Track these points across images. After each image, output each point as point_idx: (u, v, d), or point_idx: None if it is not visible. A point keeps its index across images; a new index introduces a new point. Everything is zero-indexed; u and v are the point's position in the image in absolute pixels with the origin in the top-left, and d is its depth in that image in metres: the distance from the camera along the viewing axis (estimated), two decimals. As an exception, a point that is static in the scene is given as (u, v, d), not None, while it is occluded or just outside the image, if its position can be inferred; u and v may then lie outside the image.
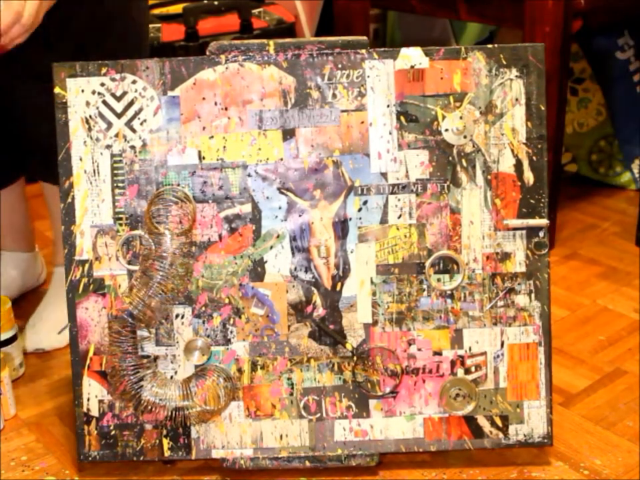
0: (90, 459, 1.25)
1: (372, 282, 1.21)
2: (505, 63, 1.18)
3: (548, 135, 1.20)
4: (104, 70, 1.19)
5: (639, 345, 1.54)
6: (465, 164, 1.20)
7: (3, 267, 1.70)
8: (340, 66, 1.18)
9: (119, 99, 1.19)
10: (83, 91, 1.19)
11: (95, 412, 1.23)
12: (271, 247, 1.21)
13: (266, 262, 1.21)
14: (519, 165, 1.20)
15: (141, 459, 1.25)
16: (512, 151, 1.19)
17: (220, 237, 1.21)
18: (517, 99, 1.19)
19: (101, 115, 1.20)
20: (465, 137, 1.19)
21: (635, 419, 1.34)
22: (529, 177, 1.20)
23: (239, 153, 1.20)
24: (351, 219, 1.21)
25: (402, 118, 1.19)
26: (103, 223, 1.21)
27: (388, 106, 1.19)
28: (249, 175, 1.20)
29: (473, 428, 1.24)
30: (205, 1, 2.25)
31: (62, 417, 1.40)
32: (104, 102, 1.19)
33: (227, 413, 1.23)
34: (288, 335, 1.22)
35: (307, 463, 1.24)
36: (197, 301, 1.21)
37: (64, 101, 1.19)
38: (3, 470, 1.29)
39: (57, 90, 1.19)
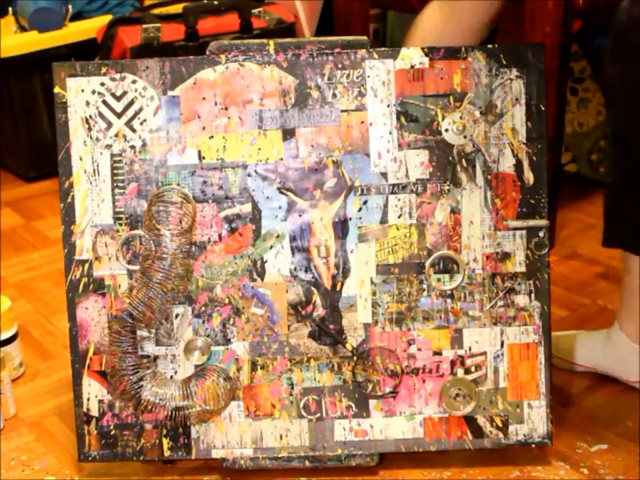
0: (90, 458, 1.25)
1: (372, 282, 1.21)
2: (505, 62, 1.18)
3: (548, 135, 1.20)
4: (104, 70, 1.19)
5: (639, 344, 1.53)
6: (465, 164, 1.20)
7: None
8: (340, 66, 1.18)
9: (118, 98, 1.19)
10: (82, 90, 1.19)
11: (94, 412, 1.23)
12: (271, 247, 1.21)
13: (266, 262, 1.21)
14: (518, 165, 1.20)
15: (141, 458, 1.25)
16: (512, 151, 1.19)
17: (220, 236, 1.21)
18: (517, 99, 1.19)
19: (101, 115, 1.20)
20: (465, 136, 1.19)
21: (635, 418, 1.34)
22: (529, 177, 1.20)
23: (239, 152, 1.20)
24: (350, 219, 1.21)
25: (402, 118, 1.19)
26: (103, 223, 1.21)
27: (388, 106, 1.19)
28: (249, 175, 1.20)
29: (473, 428, 1.24)
30: (205, 1, 2.25)
31: (62, 417, 1.40)
32: (104, 102, 1.19)
33: (226, 412, 1.23)
34: (288, 335, 1.22)
35: (307, 463, 1.24)
36: (196, 300, 1.21)
37: (64, 100, 1.19)
38: (3, 470, 1.29)
39: (56, 90, 1.19)
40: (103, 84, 1.19)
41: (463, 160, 1.20)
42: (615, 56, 1.22)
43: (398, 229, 1.21)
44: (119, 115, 1.19)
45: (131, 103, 1.19)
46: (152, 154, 1.20)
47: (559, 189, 1.89)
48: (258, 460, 1.24)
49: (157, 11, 2.29)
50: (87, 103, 1.19)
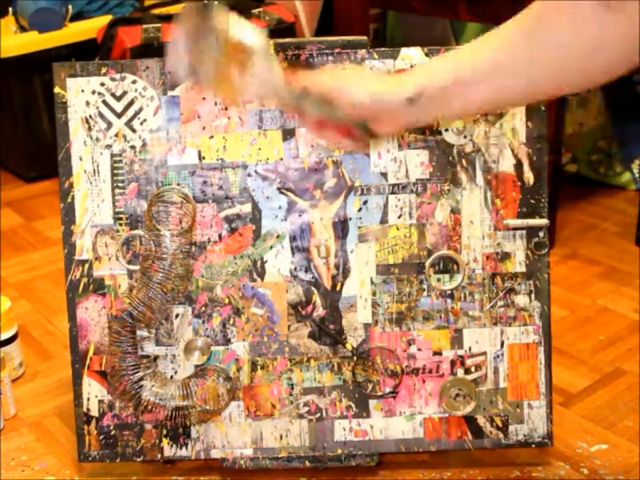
0: (90, 458, 1.25)
1: (372, 282, 1.21)
2: (505, 62, 1.18)
3: (548, 135, 1.20)
4: (104, 70, 1.19)
5: (639, 345, 1.53)
6: (465, 164, 1.20)
7: None
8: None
9: (118, 98, 1.19)
10: (82, 90, 1.19)
11: (94, 412, 1.23)
12: (271, 247, 1.21)
13: (266, 262, 1.21)
14: (519, 165, 1.20)
15: (141, 458, 1.25)
16: (512, 150, 1.19)
17: (220, 236, 1.21)
18: (517, 99, 1.18)
19: (101, 115, 1.20)
20: (465, 136, 1.19)
21: (635, 419, 1.34)
22: (529, 177, 1.20)
23: (239, 152, 1.20)
24: (350, 219, 1.21)
25: (402, 118, 1.19)
26: (103, 223, 1.21)
27: (388, 106, 1.18)
28: (249, 175, 1.20)
29: (473, 428, 1.24)
30: (205, 1, 2.24)
31: (62, 417, 1.40)
32: (104, 102, 1.19)
33: (226, 412, 1.23)
34: (288, 335, 1.22)
35: (307, 463, 1.24)
36: (196, 300, 1.21)
37: (64, 100, 1.19)
38: (3, 470, 1.29)
39: (56, 90, 1.19)
40: (103, 84, 1.19)
41: (463, 160, 1.20)
42: None
43: (398, 229, 1.21)
44: (119, 115, 1.19)
45: (131, 103, 1.19)
46: (152, 154, 1.20)
47: (559, 189, 1.89)
48: (258, 460, 1.24)
49: (157, 11, 2.29)
50: (87, 103, 1.19)
